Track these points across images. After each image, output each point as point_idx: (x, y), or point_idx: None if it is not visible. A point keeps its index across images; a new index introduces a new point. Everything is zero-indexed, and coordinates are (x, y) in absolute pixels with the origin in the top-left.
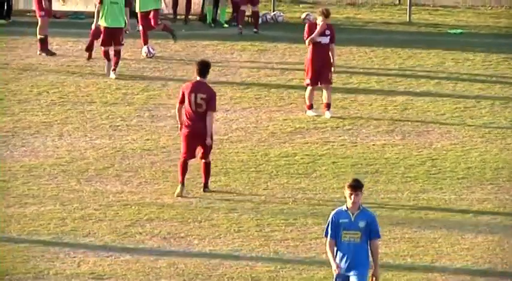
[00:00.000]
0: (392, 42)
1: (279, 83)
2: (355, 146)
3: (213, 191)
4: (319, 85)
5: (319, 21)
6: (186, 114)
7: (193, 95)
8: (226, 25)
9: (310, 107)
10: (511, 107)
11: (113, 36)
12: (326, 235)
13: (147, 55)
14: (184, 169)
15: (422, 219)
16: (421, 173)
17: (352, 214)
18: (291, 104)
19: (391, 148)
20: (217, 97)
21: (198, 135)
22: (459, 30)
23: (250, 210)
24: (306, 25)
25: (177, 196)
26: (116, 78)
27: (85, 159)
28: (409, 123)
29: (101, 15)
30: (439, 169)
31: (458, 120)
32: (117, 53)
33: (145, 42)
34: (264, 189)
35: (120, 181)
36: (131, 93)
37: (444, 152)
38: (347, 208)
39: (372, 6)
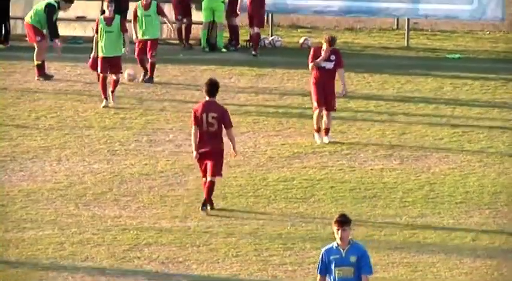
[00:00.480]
0: (391, 67)
1: (277, 108)
2: (353, 170)
3: (212, 215)
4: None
5: (324, 47)
6: (199, 135)
7: (204, 115)
8: (224, 50)
9: (318, 130)
10: (509, 132)
11: (111, 65)
12: (318, 272)
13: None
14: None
15: (421, 243)
16: (419, 197)
17: (343, 250)
18: (289, 128)
19: (389, 173)
20: None
21: (209, 154)
22: (457, 55)
23: (249, 234)
24: (312, 49)
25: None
26: (112, 105)
27: (83, 183)
28: (408, 147)
29: (98, 45)
30: (437, 194)
31: (456, 145)
32: (116, 81)
33: (144, 69)
34: (262, 213)
35: (118, 205)
36: (129, 118)
37: (442, 176)
38: (337, 244)
39: (370, 31)
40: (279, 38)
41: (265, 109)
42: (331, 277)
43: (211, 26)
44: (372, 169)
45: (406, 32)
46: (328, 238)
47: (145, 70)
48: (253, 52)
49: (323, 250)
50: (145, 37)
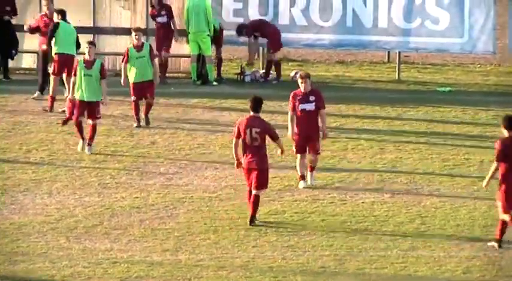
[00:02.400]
0: (382, 100)
1: (268, 141)
2: (345, 203)
3: (202, 249)
4: (307, 153)
5: (301, 88)
6: (243, 149)
7: (248, 130)
8: (215, 83)
9: (302, 177)
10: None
11: (88, 110)
12: None
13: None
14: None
15: (412, 276)
16: (410, 230)
17: None
18: (280, 162)
19: (380, 206)
20: (208, 154)
21: (254, 168)
22: (448, 88)
23: (239, 268)
24: (290, 95)
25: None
26: (90, 154)
27: (74, 217)
28: (398, 181)
29: (76, 88)
30: (428, 227)
31: (447, 178)
32: (93, 127)
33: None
34: (253, 246)
35: (109, 238)
36: (120, 151)
37: (433, 209)
38: None
39: (361, 64)
40: (271, 71)
41: None
42: None
43: (201, 59)
44: (363, 202)
45: (397, 65)
46: (319, 271)
47: (138, 119)
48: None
49: None
50: (142, 79)
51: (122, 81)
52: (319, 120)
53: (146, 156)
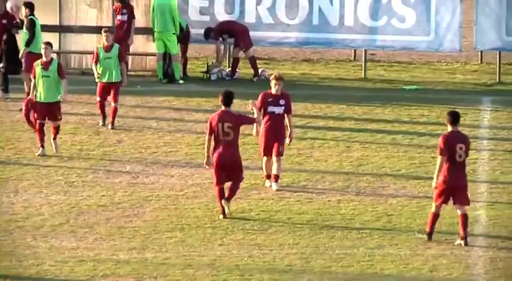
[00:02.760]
0: (348, 98)
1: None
2: (311, 202)
3: (169, 247)
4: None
5: (273, 89)
6: (215, 144)
7: (220, 125)
8: (181, 81)
9: (268, 176)
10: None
11: (48, 111)
12: None
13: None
14: (221, 194)
15: (378, 275)
16: (377, 228)
17: None
18: (247, 159)
19: (346, 204)
20: (174, 152)
21: (227, 164)
22: (414, 86)
23: (206, 266)
24: (260, 96)
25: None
26: (54, 153)
27: (41, 215)
28: (365, 179)
29: (35, 89)
30: (395, 225)
31: (413, 176)
32: (56, 128)
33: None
34: (219, 245)
35: (75, 237)
36: (86, 149)
37: (400, 207)
38: None
39: (328, 62)
40: (237, 70)
41: None
42: None
43: (167, 58)
44: (329, 200)
45: (363, 63)
46: (285, 270)
47: (104, 116)
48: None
49: None
50: (107, 80)
51: (96, 78)
52: (287, 124)
53: (112, 154)
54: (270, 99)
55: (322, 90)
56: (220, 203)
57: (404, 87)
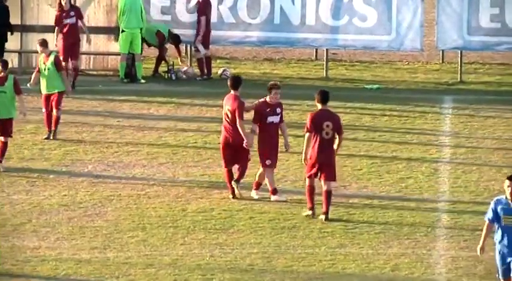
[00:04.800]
0: (310, 98)
1: (196, 138)
2: (272, 201)
3: (131, 246)
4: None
5: (274, 98)
6: (222, 125)
7: (224, 107)
8: (143, 81)
9: (258, 186)
10: (428, 162)
11: (2, 128)
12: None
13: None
14: (230, 176)
15: (340, 274)
16: (339, 228)
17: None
18: (208, 159)
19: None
20: (136, 152)
21: (231, 145)
22: (376, 86)
23: (168, 265)
24: (256, 106)
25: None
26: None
27: (2, 214)
28: None
29: None
30: (356, 224)
31: (375, 175)
32: (4, 144)
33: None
34: (181, 244)
35: (37, 236)
36: (48, 148)
37: (361, 207)
38: (506, 197)
39: (289, 61)
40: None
41: (184, 140)
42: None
43: (131, 58)
44: (290, 199)
45: (324, 62)
46: (247, 269)
47: (49, 130)
48: (205, 76)
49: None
50: (49, 91)
51: (30, 83)
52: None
53: (74, 154)
54: (268, 109)
55: (283, 89)
56: (230, 185)
57: (365, 86)
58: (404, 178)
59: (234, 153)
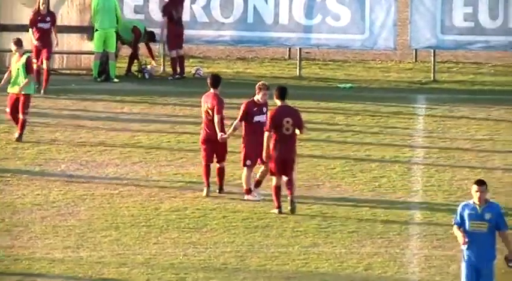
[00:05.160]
0: None
1: (169, 138)
2: (246, 200)
3: (104, 245)
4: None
5: (258, 97)
6: (203, 123)
7: (204, 105)
8: (116, 80)
9: (249, 191)
10: (401, 161)
11: None
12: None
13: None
14: (208, 171)
15: (313, 273)
16: (312, 227)
17: (479, 207)
18: (182, 158)
19: (282, 202)
20: (109, 151)
21: (211, 141)
22: (349, 85)
23: (141, 264)
24: (243, 104)
25: (205, 196)
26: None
27: None
28: (300, 177)
29: None
30: (330, 223)
31: (348, 174)
32: None
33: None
34: (154, 243)
35: (10, 235)
36: (21, 148)
37: (334, 206)
38: (473, 202)
39: (262, 60)
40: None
41: (158, 139)
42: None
43: (105, 56)
44: (264, 199)
45: (298, 61)
46: (221, 268)
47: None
48: (177, 76)
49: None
50: (15, 91)
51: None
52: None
53: (47, 153)
54: (255, 109)
55: None
56: (207, 180)
57: (339, 85)
58: (378, 177)
59: (214, 149)
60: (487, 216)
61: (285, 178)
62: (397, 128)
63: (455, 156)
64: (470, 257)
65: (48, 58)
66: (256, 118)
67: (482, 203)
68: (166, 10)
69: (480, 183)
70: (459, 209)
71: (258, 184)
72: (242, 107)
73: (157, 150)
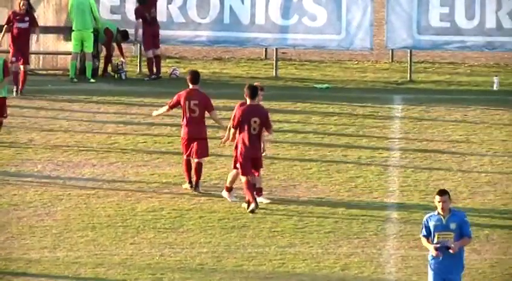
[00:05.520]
0: None
1: (146, 138)
2: (222, 200)
3: (80, 246)
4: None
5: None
6: (183, 119)
7: (187, 102)
8: (92, 80)
9: (230, 189)
10: (378, 162)
11: None
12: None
13: None
14: (188, 167)
15: (290, 273)
16: (288, 227)
17: (444, 218)
18: (158, 159)
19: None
20: (85, 151)
21: (193, 138)
22: (325, 85)
23: (117, 265)
24: (236, 107)
25: (185, 188)
26: None
27: None
28: (276, 177)
29: None
30: (306, 223)
31: (325, 175)
32: None
33: None
34: (131, 244)
35: None
36: None
37: (311, 206)
38: (438, 213)
39: (239, 61)
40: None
41: (134, 139)
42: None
43: (82, 57)
44: (241, 199)
45: (274, 62)
46: (197, 269)
47: None
48: (153, 76)
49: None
50: None
51: None
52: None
53: (24, 153)
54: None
55: (233, 89)
56: (188, 174)
57: (315, 85)
58: (354, 177)
59: (194, 144)
60: (452, 226)
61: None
62: (373, 128)
63: (432, 156)
64: (438, 268)
65: (27, 62)
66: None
67: (446, 213)
68: (138, 13)
69: (442, 193)
70: (424, 220)
71: (259, 191)
72: (235, 110)
73: (133, 150)
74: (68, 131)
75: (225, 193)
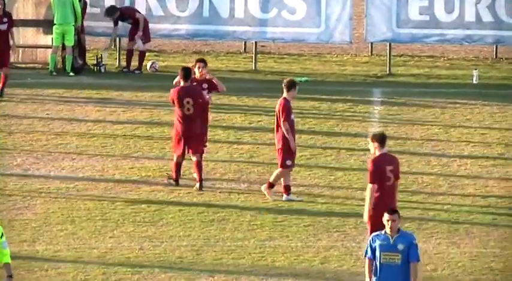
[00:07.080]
0: (238, 90)
1: (125, 131)
2: (202, 194)
3: (60, 239)
4: None
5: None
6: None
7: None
8: (72, 73)
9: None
10: (357, 155)
11: None
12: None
13: None
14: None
15: (269, 267)
16: (268, 220)
17: (392, 237)
18: (137, 152)
19: (237, 196)
20: (64, 144)
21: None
22: (304, 78)
23: (97, 258)
24: (281, 105)
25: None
26: None
27: None
28: (256, 171)
29: None
30: (286, 217)
31: (304, 168)
32: None
33: None
34: (110, 237)
35: None
36: None
37: (290, 199)
38: (385, 232)
39: (218, 54)
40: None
41: (113, 133)
42: (377, 262)
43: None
44: (220, 192)
45: (253, 55)
46: (176, 262)
47: None
48: (137, 71)
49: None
50: None
51: None
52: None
53: (3, 147)
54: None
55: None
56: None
57: (294, 79)
58: (333, 170)
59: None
60: (400, 247)
61: (193, 159)
62: (352, 121)
63: (411, 149)
64: None
65: (7, 64)
66: (292, 116)
67: (395, 233)
68: (116, 20)
69: (392, 212)
70: (369, 239)
71: (272, 186)
72: (280, 108)
73: (113, 144)
74: (47, 124)
75: (285, 197)
